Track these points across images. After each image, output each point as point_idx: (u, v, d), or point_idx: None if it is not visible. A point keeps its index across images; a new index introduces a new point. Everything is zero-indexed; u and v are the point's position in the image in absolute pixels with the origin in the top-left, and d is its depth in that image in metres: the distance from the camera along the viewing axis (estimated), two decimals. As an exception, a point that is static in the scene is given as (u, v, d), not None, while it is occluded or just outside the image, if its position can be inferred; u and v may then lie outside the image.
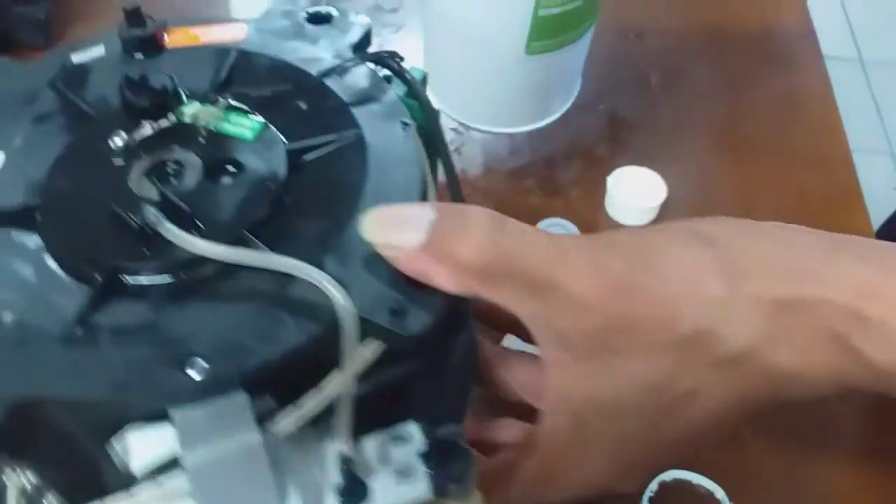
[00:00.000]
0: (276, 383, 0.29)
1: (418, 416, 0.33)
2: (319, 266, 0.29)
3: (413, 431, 0.32)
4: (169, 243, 0.30)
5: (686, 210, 0.59)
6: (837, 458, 0.42)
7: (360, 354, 0.29)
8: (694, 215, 0.62)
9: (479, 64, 0.59)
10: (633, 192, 0.58)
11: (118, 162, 0.34)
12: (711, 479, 0.40)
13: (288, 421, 0.28)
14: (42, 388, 0.27)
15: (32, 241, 0.32)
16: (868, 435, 0.43)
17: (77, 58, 0.39)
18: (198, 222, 0.31)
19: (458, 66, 0.60)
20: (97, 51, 0.39)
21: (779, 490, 0.40)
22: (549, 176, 0.60)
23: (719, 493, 0.39)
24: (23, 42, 0.66)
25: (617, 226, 0.56)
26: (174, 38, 0.39)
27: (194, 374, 0.27)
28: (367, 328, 0.29)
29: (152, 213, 0.30)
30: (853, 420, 0.44)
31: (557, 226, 0.56)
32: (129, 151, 0.34)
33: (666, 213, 0.57)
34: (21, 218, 0.32)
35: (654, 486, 0.39)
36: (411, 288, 0.30)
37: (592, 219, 0.56)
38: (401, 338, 0.29)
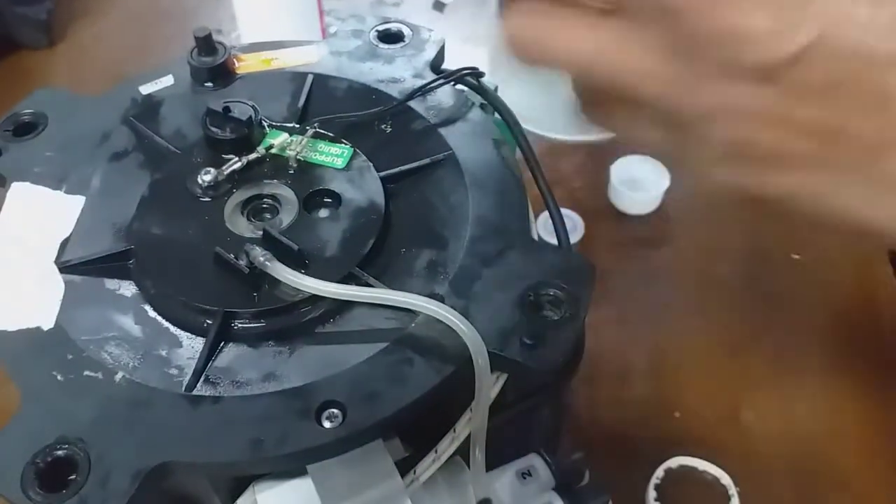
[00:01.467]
0: (407, 426, 0.27)
1: (532, 445, 0.32)
2: (436, 298, 0.28)
3: (537, 464, 0.31)
4: (276, 284, 0.29)
5: (690, 197, 0.58)
6: (842, 440, 0.42)
7: (493, 391, 0.28)
8: (698, 202, 0.62)
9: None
10: (637, 180, 0.57)
11: (208, 199, 0.32)
12: (717, 464, 0.40)
13: (427, 466, 0.27)
14: (172, 453, 0.25)
15: (127, 289, 0.30)
16: (874, 418, 0.43)
17: (145, 89, 0.37)
18: (305, 261, 0.30)
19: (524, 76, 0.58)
20: (166, 81, 0.37)
21: (783, 475, 0.40)
22: (552, 166, 0.59)
23: (725, 478, 0.39)
24: (25, 43, 0.64)
25: (621, 215, 0.56)
26: (244, 64, 0.38)
27: (329, 425, 0.26)
28: (496, 361, 0.27)
29: (261, 254, 0.29)
30: (857, 404, 0.43)
31: (565, 217, 0.55)
32: (219, 188, 0.32)
33: (669, 200, 0.56)
34: (113, 265, 0.31)
35: (660, 472, 0.39)
36: (539, 315, 0.28)
37: (596, 208, 0.55)
38: (534, 371, 0.27)
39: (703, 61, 0.23)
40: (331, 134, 0.34)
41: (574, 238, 0.31)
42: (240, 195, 0.32)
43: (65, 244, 0.32)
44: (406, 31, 0.39)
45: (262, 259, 0.29)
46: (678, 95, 0.24)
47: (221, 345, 0.28)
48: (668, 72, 0.24)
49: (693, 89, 0.24)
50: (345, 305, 0.29)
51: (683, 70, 0.24)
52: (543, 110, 0.61)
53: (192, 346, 0.28)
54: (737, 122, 0.24)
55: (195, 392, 0.27)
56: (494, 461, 0.30)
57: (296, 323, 0.29)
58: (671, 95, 0.25)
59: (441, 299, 0.28)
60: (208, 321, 0.29)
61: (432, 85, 0.36)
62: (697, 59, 0.23)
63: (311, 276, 0.28)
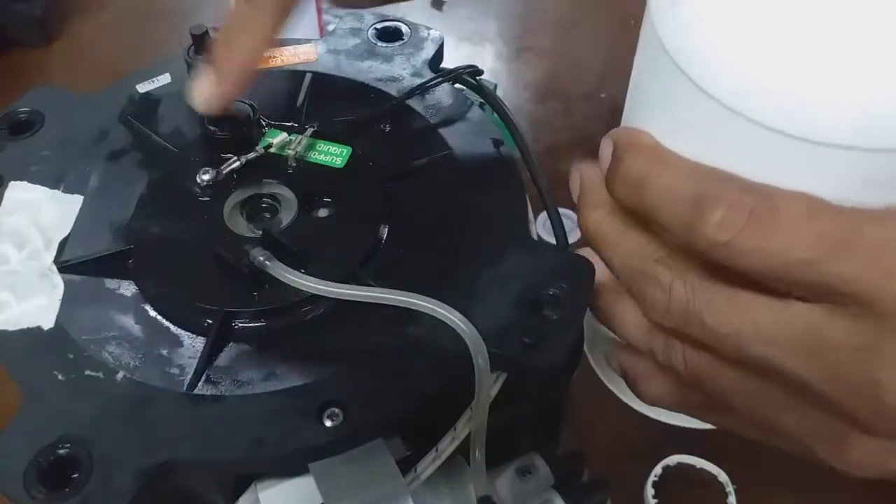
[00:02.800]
0: (408, 425, 0.28)
1: (532, 443, 0.33)
2: (435, 297, 0.28)
3: (537, 463, 0.31)
4: (276, 284, 0.29)
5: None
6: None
7: (492, 390, 0.28)
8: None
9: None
10: None
11: (207, 199, 0.32)
12: (713, 462, 0.40)
13: (427, 465, 0.27)
14: (174, 452, 0.25)
15: (127, 289, 0.30)
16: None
17: (142, 87, 0.37)
18: (305, 261, 0.30)
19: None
20: (163, 79, 0.37)
21: (780, 472, 0.40)
22: (552, 165, 0.59)
23: (722, 476, 0.39)
24: (21, 41, 0.63)
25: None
26: (242, 63, 0.38)
27: (331, 424, 0.26)
28: (495, 360, 0.28)
29: (261, 254, 0.29)
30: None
31: (564, 217, 0.55)
32: (219, 187, 0.32)
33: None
34: (112, 265, 0.31)
35: (658, 470, 0.39)
36: (539, 315, 0.28)
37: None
38: (534, 370, 0.28)
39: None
40: (330, 133, 0.34)
41: (573, 238, 0.31)
42: (239, 195, 0.32)
43: (64, 244, 0.31)
44: (405, 29, 0.39)
45: (261, 259, 0.29)
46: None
47: (222, 344, 0.28)
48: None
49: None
50: (345, 305, 0.29)
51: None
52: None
53: (192, 345, 0.28)
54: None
55: (197, 391, 0.27)
56: (494, 459, 0.30)
57: (296, 322, 0.29)
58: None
59: (441, 298, 0.28)
60: (209, 321, 0.29)
61: (431, 83, 0.36)
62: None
63: (311, 275, 0.28)
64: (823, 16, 0.23)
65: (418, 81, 0.36)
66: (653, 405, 0.29)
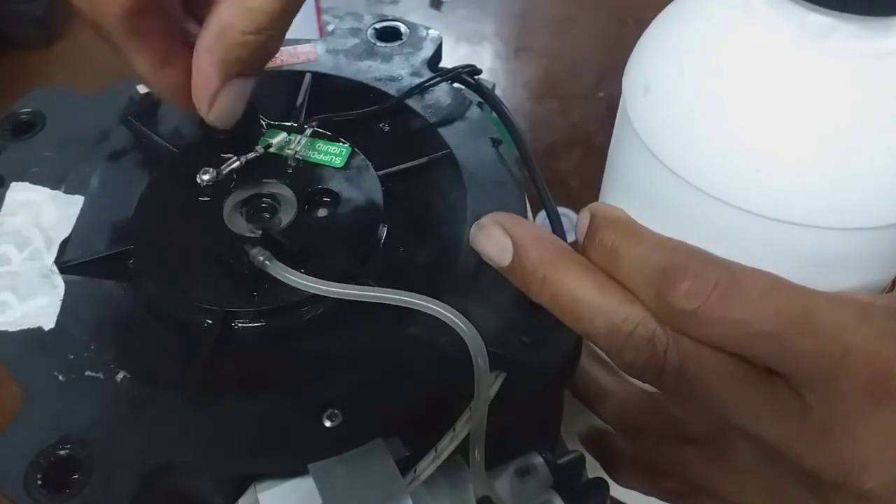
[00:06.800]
0: (407, 425, 0.28)
1: (531, 444, 0.33)
2: (436, 298, 0.28)
3: (537, 463, 0.31)
4: (276, 284, 0.29)
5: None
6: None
7: (492, 390, 0.28)
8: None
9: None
10: None
11: (207, 199, 0.32)
12: None
13: (427, 465, 0.27)
14: (174, 453, 0.25)
15: (127, 289, 0.30)
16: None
17: (143, 88, 0.37)
18: (305, 260, 0.30)
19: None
20: (163, 80, 0.37)
21: None
22: (550, 164, 0.59)
23: None
24: (23, 42, 0.62)
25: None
26: (242, 63, 0.38)
27: (330, 424, 0.26)
28: (495, 360, 0.28)
29: (261, 254, 0.29)
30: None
31: (563, 216, 0.55)
32: (218, 187, 0.32)
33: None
34: (113, 265, 0.31)
35: None
36: (538, 314, 0.28)
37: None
38: (533, 370, 0.28)
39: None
40: (329, 133, 0.34)
41: (571, 237, 0.31)
42: (239, 195, 0.32)
43: (64, 244, 0.32)
44: (403, 28, 0.39)
45: (261, 259, 0.29)
46: None
47: (222, 344, 0.28)
48: None
49: None
50: (344, 305, 0.29)
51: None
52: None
53: (192, 345, 0.28)
54: None
55: (197, 391, 0.27)
56: (494, 459, 0.30)
57: (296, 322, 0.29)
58: None
59: (440, 298, 0.29)
60: (209, 321, 0.29)
61: (429, 83, 0.36)
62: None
63: (311, 275, 0.28)
64: (783, 108, 0.23)
65: (417, 81, 0.36)
66: (628, 488, 0.30)
